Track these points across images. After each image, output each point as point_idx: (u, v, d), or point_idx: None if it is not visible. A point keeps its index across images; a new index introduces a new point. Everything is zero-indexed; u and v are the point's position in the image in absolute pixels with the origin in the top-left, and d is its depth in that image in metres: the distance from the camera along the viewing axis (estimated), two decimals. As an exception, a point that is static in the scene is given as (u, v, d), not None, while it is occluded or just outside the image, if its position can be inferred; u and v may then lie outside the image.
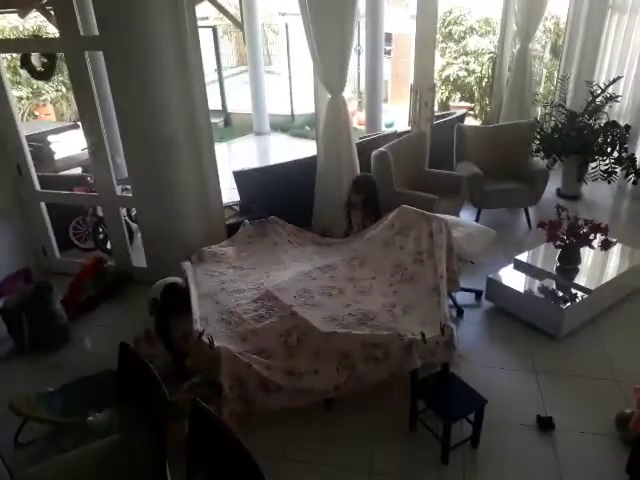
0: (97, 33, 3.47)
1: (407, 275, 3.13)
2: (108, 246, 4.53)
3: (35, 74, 5.58)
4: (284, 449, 2.57)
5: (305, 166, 4.50)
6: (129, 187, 4.09)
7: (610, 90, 5.34)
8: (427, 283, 2.99)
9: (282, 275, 3.20)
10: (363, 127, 8.09)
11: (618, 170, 5.21)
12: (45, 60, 5.46)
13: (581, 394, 2.88)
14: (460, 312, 3.65)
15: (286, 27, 10.53)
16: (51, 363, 3.27)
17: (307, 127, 9.49)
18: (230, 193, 4.84)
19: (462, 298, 3.74)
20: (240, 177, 4.55)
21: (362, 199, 3.76)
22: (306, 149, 7.41)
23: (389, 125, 8.73)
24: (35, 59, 5.32)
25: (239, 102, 10.60)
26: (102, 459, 2.05)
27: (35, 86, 9.82)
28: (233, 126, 10.26)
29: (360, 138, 5.32)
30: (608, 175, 5.21)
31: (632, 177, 5.14)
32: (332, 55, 3.87)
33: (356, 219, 3.81)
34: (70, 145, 6.63)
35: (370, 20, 7.08)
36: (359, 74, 10.13)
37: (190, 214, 3.86)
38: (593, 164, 5.38)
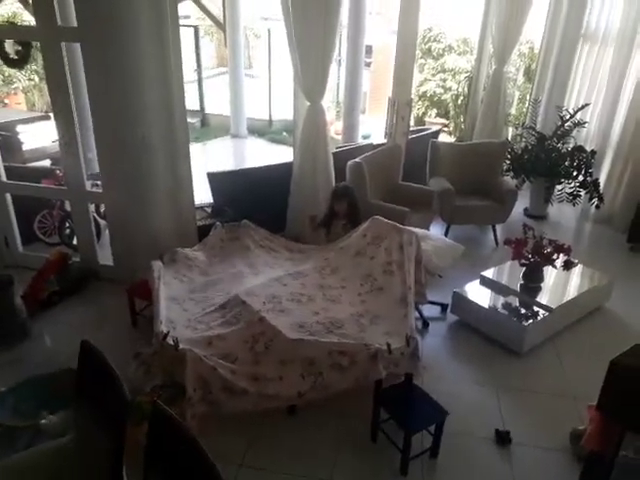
0: (75, 24, 3.41)
1: (376, 285, 3.16)
2: (74, 242, 4.42)
3: (8, 61, 5.41)
4: (244, 455, 2.54)
5: (281, 172, 4.50)
6: (99, 183, 4.01)
7: (578, 116, 5.54)
8: (395, 294, 3.03)
9: (253, 280, 3.18)
10: (340, 137, 8.14)
11: (582, 193, 5.40)
12: (19, 48, 5.30)
13: (539, 409, 2.95)
14: (426, 324, 3.70)
15: (268, 32, 10.54)
16: (8, 359, 3.15)
17: (284, 133, 9.50)
18: (202, 194, 4.79)
19: (428, 311, 3.80)
20: (214, 179, 4.51)
21: (345, 208, 3.77)
22: (282, 154, 7.42)
23: (366, 136, 8.82)
24: (9, 46, 5.16)
25: (217, 103, 10.54)
26: (56, 459, 1.99)
27: (7, 74, 9.55)
28: (210, 127, 10.19)
29: (337, 147, 5.37)
30: (573, 198, 5.39)
31: (595, 201, 5.33)
32: (313, 63, 3.90)
33: (336, 229, 3.82)
34: (40, 136, 6.46)
35: (352, 32, 7.16)
36: (338, 84, 10.21)
37: (161, 213, 3.80)
38: (559, 186, 5.56)
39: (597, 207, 5.40)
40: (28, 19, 8.89)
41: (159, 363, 2.56)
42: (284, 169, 4.48)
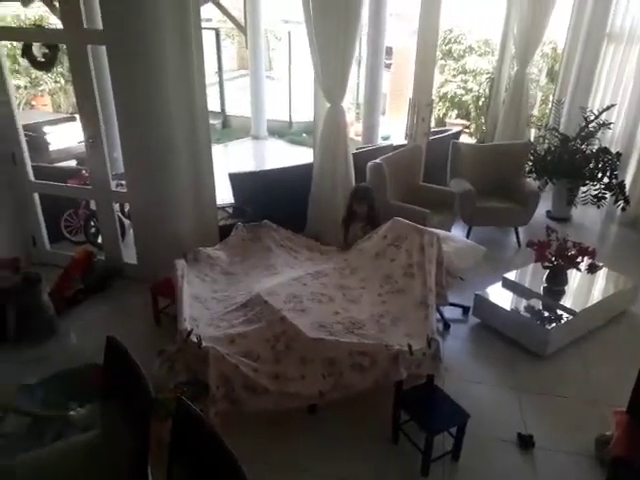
0: (101, 27, 3.47)
1: (397, 287, 3.14)
2: (99, 240, 4.49)
3: (36, 64, 5.53)
4: (264, 453, 2.55)
5: (301, 172, 4.52)
6: (124, 182, 4.07)
7: (603, 117, 5.44)
8: (416, 296, 3.01)
9: (273, 280, 3.20)
10: (360, 138, 8.13)
11: (608, 196, 5.29)
12: (46, 51, 5.42)
13: (562, 414, 2.91)
14: (447, 326, 3.67)
15: (289, 34, 10.59)
16: (36, 355, 3.22)
17: (304, 134, 9.53)
18: (223, 195, 4.83)
19: (449, 313, 3.77)
20: (235, 180, 4.56)
21: (366, 209, 3.76)
22: (302, 156, 7.44)
23: (385, 138, 8.78)
24: (36, 49, 5.28)
25: (237, 105, 10.63)
26: (81, 454, 2.02)
27: (34, 76, 9.76)
28: (231, 128, 10.28)
29: (357, 149, 5.36)
30: (598, 200, 5.29)
31: (621, 203, 5.22)
32: (334, 65, 3.91)
33: (354, 230, 3.80)
34: (66, 137, 6.59)
35: (372, 33, 7.15)
36: (358, 85, 10.20)
37: (184, 213, 3.85)
38: (584, 188, 5.46)
39: (623, 209, 5.29)
40: (54, 22, 9.08)
41: (183, 360, 2.59)
42: (304, 170, 4.49)
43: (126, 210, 4.72)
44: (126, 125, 3.61)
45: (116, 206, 4.21)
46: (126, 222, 4.59)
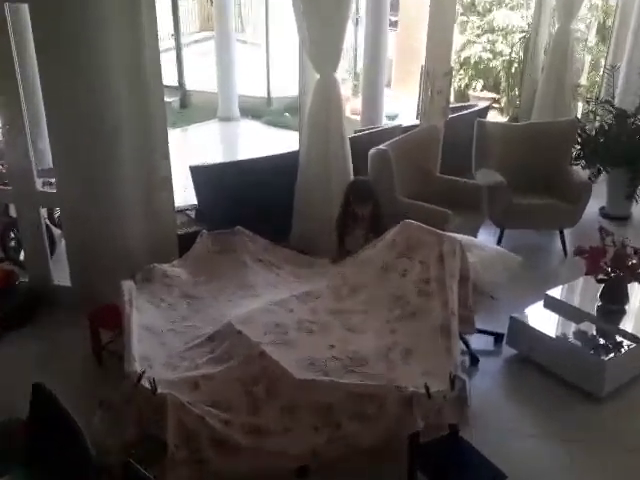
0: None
1: (409, 310, 3.15)
2: (21, 257, 4.47)
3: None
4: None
5: (283, 163, 4.55)
6: (52, 181, 4.06)
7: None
8: (434, 321, 3.02)
9: (250, 304, 3.21)
10: (358, 117, 8.18)
11: (677, 187, 5.37)
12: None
13: (625, 470, 2.92)
14: (475, 360, 3.69)
15: (265, -15, 10.67)
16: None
17: (287, 114, 9.58)
18: (183, 194, 4.84)
19: (478, 342, 3.79)
20: (199, 174, 4.56)
21: (369, 211, 3.77)
22: (285, 141, 7.47)
23: (391, 117, 8.85)
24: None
25: (200, 78, 10.65)
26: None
27: None
28: (192, 108, 10.31)
29: (355, 132, 5.39)
30: (665, 193, 5.36)
31: (695, 197, 5.30)
32: (324, 25, 3.94)
33: (354, 239, 3.81)
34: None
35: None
36: (356, 50, 10.26)
37: (132, 219, 3.85)
38: (646, 178, 5.53)
39: (697, 204, 5.36)
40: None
41: (132, 412, 2.58)
42: (288, 160, 4.52)
43: (56, 217, 4.71)
44: (55, 105, 3.60)
45: (43, 211, 4.20)
46: (56, 232, 4.58)
